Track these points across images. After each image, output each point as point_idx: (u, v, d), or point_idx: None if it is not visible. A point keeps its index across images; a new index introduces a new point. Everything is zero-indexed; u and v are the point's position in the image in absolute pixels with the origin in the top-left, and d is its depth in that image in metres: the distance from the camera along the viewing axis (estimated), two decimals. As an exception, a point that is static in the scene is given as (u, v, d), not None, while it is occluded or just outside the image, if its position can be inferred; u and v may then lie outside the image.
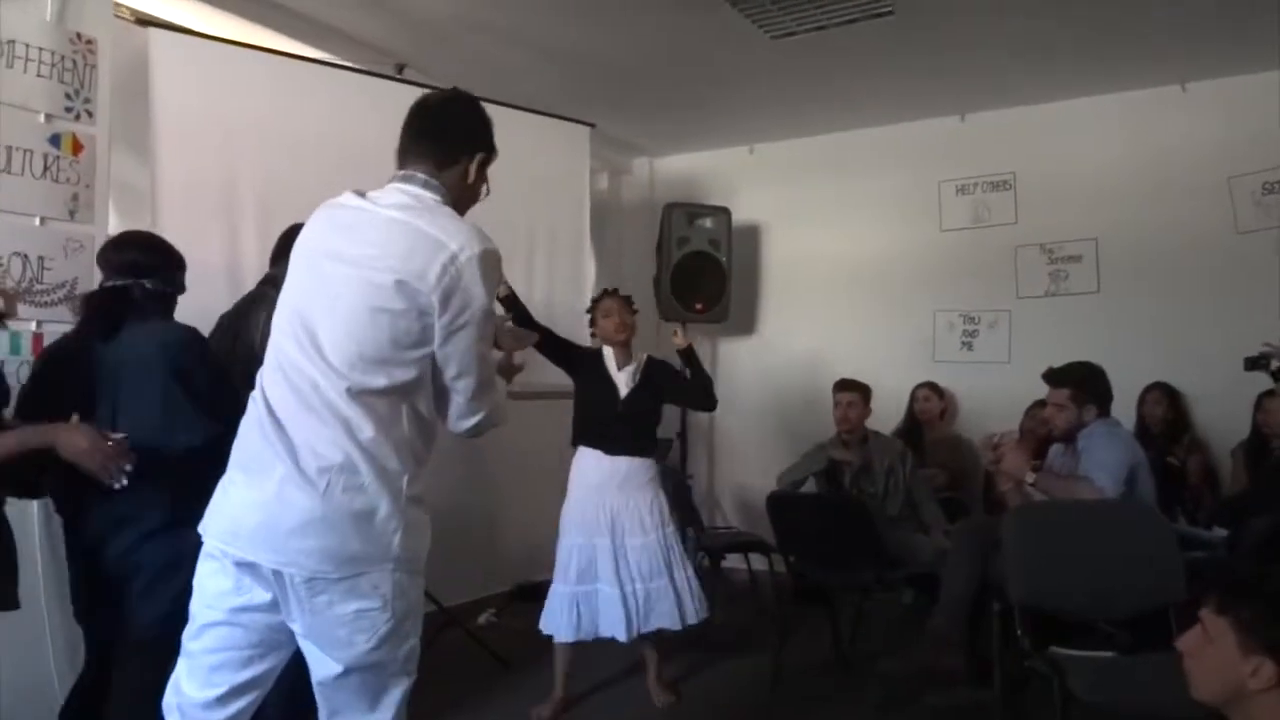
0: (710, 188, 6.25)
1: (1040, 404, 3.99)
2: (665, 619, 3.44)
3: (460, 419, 1.86)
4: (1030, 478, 3.17)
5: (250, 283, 2.98)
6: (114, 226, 3.21)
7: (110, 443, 2.11)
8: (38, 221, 2.99)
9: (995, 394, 5.23)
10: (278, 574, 1.68)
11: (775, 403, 6.01)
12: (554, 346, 3.59)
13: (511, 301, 3.53)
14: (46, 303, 2.95)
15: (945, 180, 5.65)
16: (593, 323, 3.75)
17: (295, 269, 1.82)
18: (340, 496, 1.66)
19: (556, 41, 4.47)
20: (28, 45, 2.95)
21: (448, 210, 1.80)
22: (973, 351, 5.55)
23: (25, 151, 2.96)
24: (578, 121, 5.10)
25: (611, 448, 3.55)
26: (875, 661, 4.01)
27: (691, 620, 3.49)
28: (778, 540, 3.97)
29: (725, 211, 5.77)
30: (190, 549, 2.30)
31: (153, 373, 2.30)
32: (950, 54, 4.63)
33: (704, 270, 5.63)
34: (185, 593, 2.34)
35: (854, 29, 4.24)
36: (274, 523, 1.66)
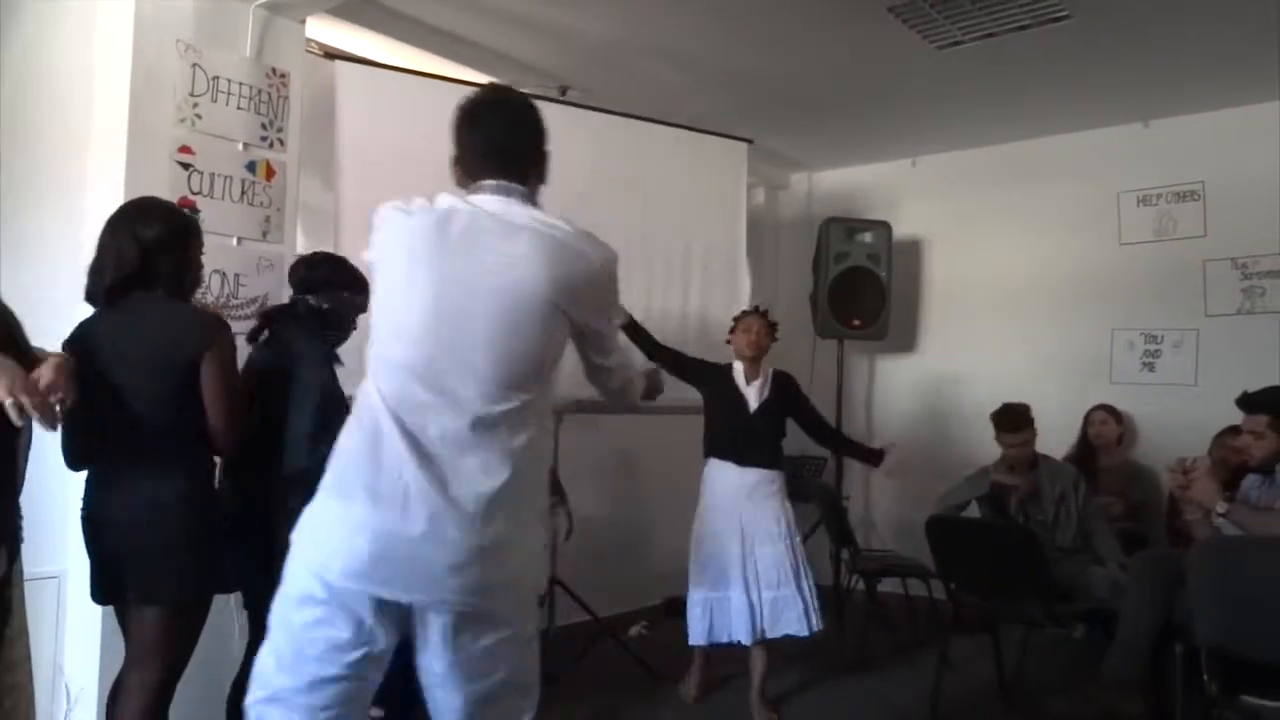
0: (870, 202, 6.13)
1: (1232, 430, 3.71)
2: (794, 625, 3.53)
3: (607, 381, 1.97)
4: (1221, 508, 2.96)
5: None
6: (301, 246, 3.46)
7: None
8: (235, 241, 3.24)
9: (1179, 418, 4.88)
10: (422, 612, 1.61)
11: (935, 423, 5.81)
12: (681, 365, 3.76)
13: (633, 328, 3.68)
14: (240, 316, 3.19)
15: (1126, 191, 5.34)
16: (730, 334, 3.88)
17: (410, 271, 1.71)
18: (496, 526, 1.59)
19: (716, 60, 4.48)
20: (230, 80, 3.23)
21: (567, 222, 1.77)
22: (1154, 373, 5.22)
23: (226, 178, 3.22)
24: (735, 138, 5.10)
25: (744, 459, 3.68)
26: (1042, 699, 3.80)
27: (816, 628, 3.56)
28: (937, 566, 3.83)
29: (885, 226, 5.64)
30: None
31: (304, 381, 2.44)
32: (1132, 57, 4.38)
33: (862, 286, 5.53)
34: None
35: (1026, 35, 4.07)
36: (430, 559, 1.56)
